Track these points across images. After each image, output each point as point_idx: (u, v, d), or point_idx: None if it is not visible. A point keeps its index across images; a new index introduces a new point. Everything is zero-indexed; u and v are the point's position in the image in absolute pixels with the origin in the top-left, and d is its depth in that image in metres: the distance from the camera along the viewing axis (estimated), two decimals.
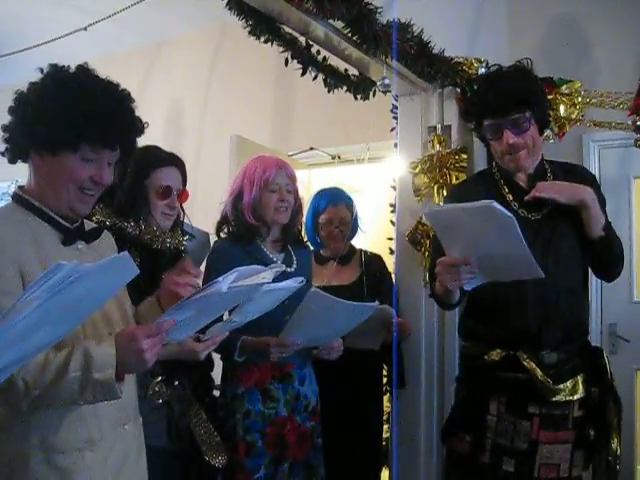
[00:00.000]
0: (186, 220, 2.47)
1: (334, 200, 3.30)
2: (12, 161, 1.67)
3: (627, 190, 3.81)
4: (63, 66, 1.64)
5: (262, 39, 3.02)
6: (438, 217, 2.17)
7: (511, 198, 2.37)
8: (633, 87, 2.91)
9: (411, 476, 3.32)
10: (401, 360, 3.24)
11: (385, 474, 3.50)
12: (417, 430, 3.33)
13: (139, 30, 5.17)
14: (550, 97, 3.03)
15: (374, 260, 3.38)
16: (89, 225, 1.79)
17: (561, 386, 2.28)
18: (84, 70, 1.65)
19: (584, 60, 3.80)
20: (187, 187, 2.43)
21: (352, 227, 3.33)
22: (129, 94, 1.70)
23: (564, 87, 3.05)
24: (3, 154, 1.67)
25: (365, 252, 3.40)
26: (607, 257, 2.34)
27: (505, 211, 1.94)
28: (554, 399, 2.27)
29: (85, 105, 1.57)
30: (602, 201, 2.34)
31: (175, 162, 2.38)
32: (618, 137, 3.49)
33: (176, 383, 2.22)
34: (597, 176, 3.79)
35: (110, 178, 1.68)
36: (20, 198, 1.65)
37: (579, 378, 2.31)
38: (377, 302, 2.51)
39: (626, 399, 3.64)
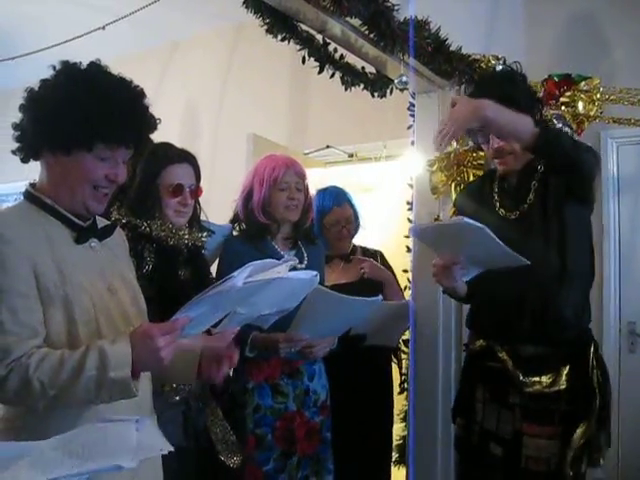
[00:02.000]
0: (202, 216, 2.46)
1: (338, 200, 3.33)
2: (25, 160, 1.67)
3: None
4: (75, 63, 1.62)
5: (279, 37, 3.02)
6: (423, 234, 2.39)
7: (496, 199, 2.49)
8: None
9: (428, 474, 3.31)
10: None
11: (402, 472, 3.50)
12: (434, 428, 3.33)
13: (155, 30, 5.17)
14: (568, 94, 3.02)
15: (375, 256, 3.42)
16: (101, 222, 1.78)
17: (536, 379, 2.32)
18: (97, 67, 1.64)
19: (603, 56, 3.77)
20: (203, 186, 2.42)
21: (355, 225, 3.38)
22: (142, 90, 1.68)
23: (582, 84, 3.03)
24: (15, 153, 1.66)
25: (365, 249, 3.45)
26: (559, 155, 2.20)
27: (475, 224, 2.06)
28: (529, 390, 2.33)
29: (99, 103, 1.56)
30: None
31: (187, 158, 2.35)
32: (637, 134, 3.46)
33: None
34: (615, 173, 3.79)
35: (124, 176, 1.68)
36: (32, 196, 1.64)
37: (562, 370, 2.34)
38: (380, 297, 2.54)
39: None
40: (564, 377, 2.33)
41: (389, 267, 3.42)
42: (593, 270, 2.47)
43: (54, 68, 1.61)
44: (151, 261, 2.12)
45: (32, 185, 1.67)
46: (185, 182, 2.30)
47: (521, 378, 2.34)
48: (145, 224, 2.19)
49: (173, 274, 2.20)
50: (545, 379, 2.33)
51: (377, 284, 3.26)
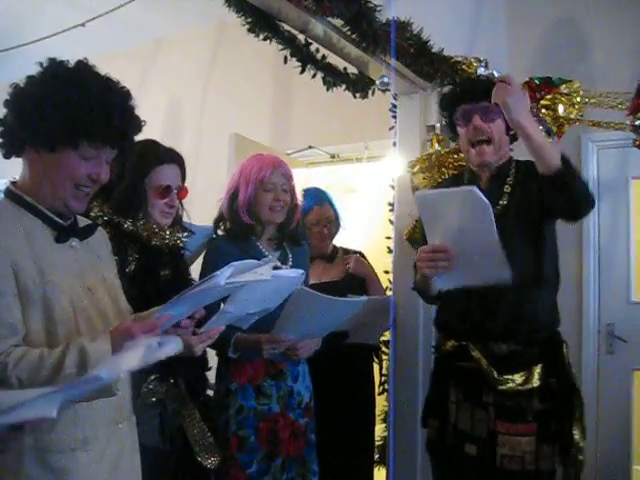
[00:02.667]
0: (185, 217, 2.45)
1: (319, 200, 3.35)
2: (7, 156, 1.65)
3: (625, 191, 3.81)
4: (62, 61, 1.62)
5: (261, 37, 3.01)
6: (427, 200, 2.26)
7: None
8: (632, 87, 2.90)
9: (408, 475, 3.31)
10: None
11: (382, 473, 3.51)
12: (415, 429, 3.32)
13: (137, 28, 5.15)
14: (549, 97, 3.04)
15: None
16: (82, 221, 1.77)
17: (509, 376, 2.35)
18: (84, 65, 1.64)
19: (583, 60, 3.80)
20: (186, 186, 2.41)
21: (336, 225, 3.40)
22: (129, 91, 1.69)
23: (563, 87, 3.04)
24: None
25: (346, 249, 3.47)
26: (572, 191, 2.20)
27: (483, 197, 2.07)
28: (503, 388, 2.35)
29: (86, 102, 1.56)
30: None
31: (175, 159, 2.33)
32: (617, 137, 3.48)
33: (170, 381, 2.19)
34: (595, 177, 3.82)
35: (107, 176, 1.67)
36: (12, 194, 1.63)
37: (535, 369, 2.37)
38: (364, 297, 2.55)
39: (623, 400, 3.69)
40: (537, 375, 2.36)
41: (369, 267, 3.43)
42: (559, 274, 2.50)
43: (41, 65, 1.61)
44: (134, 261, 2.11)
45: (13, 183, 1.66)
46: (173, 183, 2.28)
47: (495, 376, 2.35)
48: (129, 223, 2.16)
49: (155, 274, 2.18)
50: (518, 377, 2.36)
51: (360, 283, 3.28)
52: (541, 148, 2.16)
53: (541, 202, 2.31)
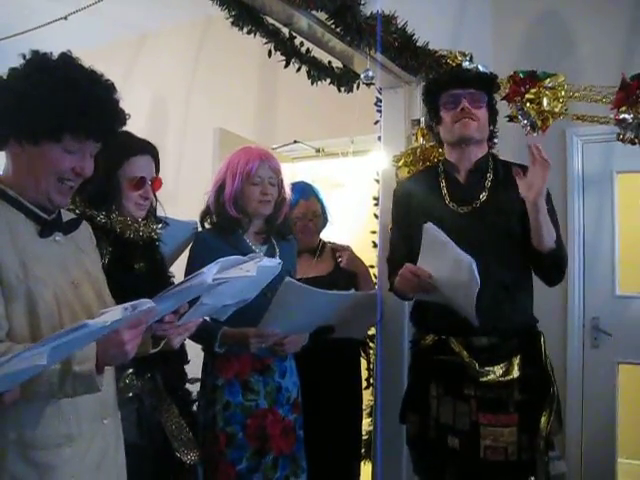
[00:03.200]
0: (159, 209, 2.40)
1: (305, 194, 3.33)
2: None
3: (610, 185, 3.83)
4: (45, 53, 1.60)
5: (245, 30, 3.00)
6: (433, 237, 2.31)
7: (445, 192, 2.55)
8: (617, 81, 2.90)
9: (394, 469, 3.31)
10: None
11: (368, 468, 3.50)
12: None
13: (121, 22, 5.11)
14: (533, 91, 3.03)
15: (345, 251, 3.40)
16: (66, 215, 1.76)
17: (490, 368, 2.39)
18: (68, 58, 1.62)
19: (568, 54, 3.81)
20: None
21: (322, 219, 3.38)
22: (113, 84, 1.67)
23: (547, 81, 3.03)
24: None
25: (334, 244, 3.45)
26: (555, 269, 2.46)
27: (477, 275, 2.13)
28: (484, 380, 2.39)
29: (70, 95, 1.54)
30: (551, 210, 2.43)
31: (148, 150, 2.28)
32: (601, 132, 3.49)
33: (147, 376, 2.16)
34: (580, 171, 3.83)
35: (91, 169, 1.66)
36: None
37: (514, 360, 2.41)
38: (352, 291, 2.54)
39: (608, 393, 3.71)
40: (516, 366, 2.40)
41: (361, 262, 3.42)
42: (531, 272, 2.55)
43: (24, 57, 1.59)
44: (107, 254, 2.08)
45: None
46: (147, 175, 2.24)
47: (477, 368, 2.38)
48: (102, 216, 2.13)
49: (129, 267, 2.16)
50: (498, 369, 2.39)
51: (347, 279, 3.26)
52: (542, 228, 2.31)
53: (523, 211, 2.37)
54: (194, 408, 2.52)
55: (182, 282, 1.55)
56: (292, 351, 2.63)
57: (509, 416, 2.36)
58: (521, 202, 2.35)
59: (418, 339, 2.63)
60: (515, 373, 2.39)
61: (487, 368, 2.39)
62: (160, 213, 2.39)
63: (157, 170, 2.32)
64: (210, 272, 1.52)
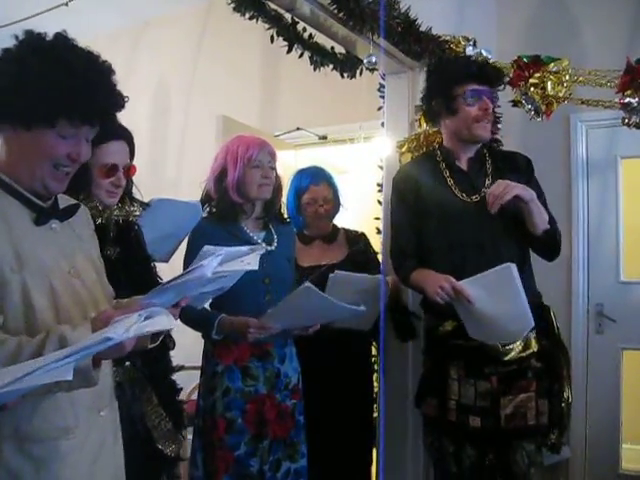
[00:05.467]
0: (135, 191, 2.30)
1: (316, 179, 3.28)
2: None
3: (614, 171, 3.82)
4: (39, 33, 1.53)
5: (247, 16, 2.98)
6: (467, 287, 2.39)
7: (452, 182, 2.59)
8: (621, 65, 2.88)
9: (398, 456, 3.32)
10: (407, 314, 3.28)
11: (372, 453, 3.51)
12: (404, 409, 3.33)
13: (123, 10, 5.09)
14: (537, 75, 3.01)
15: (359, 237, 3.38)
16: (64, 201, 1.69)
17: (512, 346, 2.47)
18: (63, 39, 1.54)
19: (572, 39, 3.78)
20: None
21: (334, 205, 3.32)
22: (110, 66, 1.58)
23: (552, 65, 3.01)
24: None
25: (348, 230, 3.41)
26: (551, 247, 2.58)
27: (516, 276, 2.29)
28: (507, 359, 2.47)
29: (64, 77, 1.46)
30: (539, 192, 2.53)
31: (122, 135, 2.14)
32: (606, 117, 3.48)
33: (127, 364, 2.08)
34: (584, 156, 3.82)
35: (88, 155, 1.60)
36: None
37: (531, 334, 2.49)
38: (364, 307, 2.56)
39: (612, 379, 3.71)
40: (533, 340, 2.50)
41: (369, 248, 3.39)
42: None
43: (17, 38, 1.51)
44: None
45: None
46: (120, 162, 2.12)
47: (500, 349, 2.46)
48: None
49: (103, 253, 2.02)
50: (518, 345, 2.48)
51: (362, 266, 3.20)
52: (534, 215, 2.43)
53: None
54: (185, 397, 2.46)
55: (181, 275, 1.52)
56: (311, 332, 2.63)
57: (528, 382, 2.47)
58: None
59: (435, 326, 2.66)
60: (534, 347, 2.49)
61: (508, 347, 2.46)
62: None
63: (132, 155, 2.20)
64: (210, 266, 1.50)
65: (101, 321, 1.43)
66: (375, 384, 3.53)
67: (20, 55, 1.49)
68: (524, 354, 2.47)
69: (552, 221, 2.51)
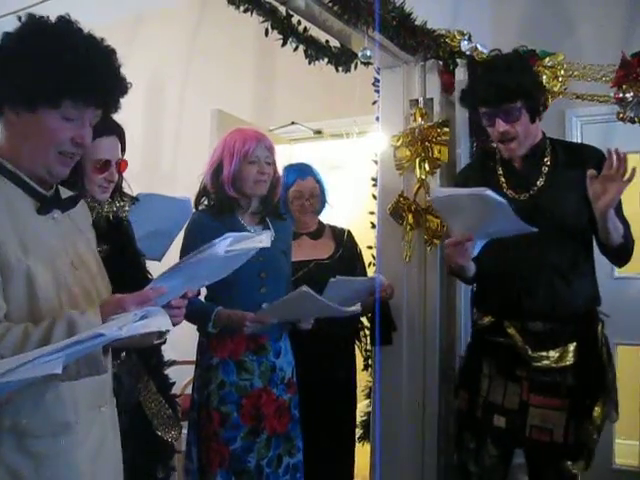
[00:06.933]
0: (125, 187, 2.31)
1: (302, 174, 3.29)
2: None
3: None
4: (42, 17, 1.52)
5: (241, 9, 2.97)
6: (441, 202, 2.36)
7: (503, 180, 2.52)
8: (616, 60, 2.88)
9: (392, 450, 3.32)
10: (389, 317, 3.26)
11: (366, 448, 3.51)
12: (399, 404, 3.33)
13: (118, 3, 5.06)
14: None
15: (346, 234, 3.39)
16: (64, 193, 1.68)
17: (543, 353, 2.39)
18: (66, 22, 1.54)
19: (567, 33, 3.77)
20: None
21: (320, 200, 3.34)
22: (114, 50, 1.59)
23: (547, 60, 3.02)
24: None
25: (334, 227, 3.42)
26: (620, 257, 2.46)
27: (498, 198, 2.10)
28: (538, 365, 2.39)
29: (68, 57, 1.46)
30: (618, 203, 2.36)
31: (114, 130, 2.14)
32: (601, 112, 3.47)
33: (123, 354, 2.09)
34: None
35: (90, 140, 1.59)
36: None
37: (569, 347, 2.40)
38: (360, 308, 2.65)
39: None
40: (571, 353, 2.40)
41: (356, 245, 3.40)
42: (593, 254, 2.52)
43: (19, 19, 1.51)
44: None
45: None
46: (112, 157, 2.13)
47: (530, 353, 2.39)
48: None
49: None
50: (553, 354, 2.39)
51: (350, 261, 3.25)
52: (610, 230, 2.29)
53: (585, 196, 2.31)
54: (177, 392, 2.48)
55: (191, 255, 1.50)
56: (308, 326, 2.64)
57: (560, 400, 2.37)
58: (583, 186, 2.30)
59: (477, 319, 2.65)
60: (569, 360, 2.39)
61: (541, 353, 2.39)
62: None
63: (123, 150, 2.21)
64: (222, 244, 1.50)
65: (110, 305, 1.44)
66: (368, 378, 3.55)
67: (23, 37, 1.49)
68: (556, 365, 2.39)
69: (626, 231, 2.37)
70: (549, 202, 2.41)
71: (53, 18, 1.53)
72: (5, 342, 1.35)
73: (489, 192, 2.09)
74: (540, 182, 2.46)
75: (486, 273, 2.50)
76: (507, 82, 2.35)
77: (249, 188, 2.63)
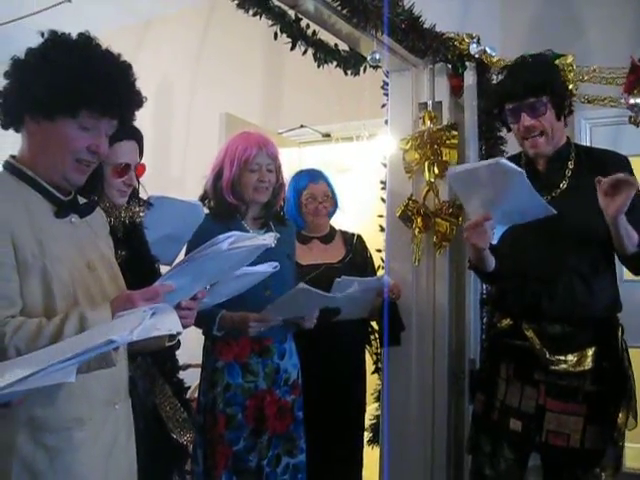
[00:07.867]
0: (142, 191, 2.32)
1: (314, 178, 3.30)
2: (5, 127, 1.64)
3: None
4: (64, 32, 1.61)
5: (250, 12, 2.97)
6: (456, 180, 2.35)
7: None
8: (625, 63, 2.88)
9: (402, 454, 3.32)
10: (396, 318, 3.25)
11: (376, 452, 3.51)
12: (408, 407, 3.33)
13: (126, 7, 5.09)
14: None
15: (356, 238, 3.39)
16: (81, 199, 1.74)
17: (561, 357, 2.35)
18: (86, 38, 1.63)
19: (577, 36, 3.77)
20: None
21: (333, 203, 3.34)
22: (130, 65, 1.68)
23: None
24: None
25: (344, 232, 3.42)
26: (635, 266, 2.40)
27: (513, 166, 2.09)
28: (555, 368, 2.35)
29: (87, 70, 1.55)
30: (637, 207, 2.28)
31: (133, 134, 2.16)
32: (610, 115, 3.46)
33: (138, 359, 2.11)
34: None
35: (107, 148, 1.66)
36: (12, 167, 1.61)
37: (588, 351, 2.36)
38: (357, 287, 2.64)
39: None
40: (590, 357, 2.35)
41: (366, 249, 3.40)
42: (614, 261, 2.48)
43: (42, 35, 1.60)
44: None
45: (12, 157, 1.64)
46: (132, 161, 2.14)
47: (547, 356, 2.36)
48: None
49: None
50: (571, 358, 2.36)
51: (361, 266, 3.26)
52: (622, 238, 2.24)
53: None
54: (188, 395, 2.48)
55: (198, 250, 1.54)
56: (311, 326, 2.65)
57: (577, 405, 2.34)
58: None
59: (495, 322, 2.64)
60: (588, 365, 2.35)
61: (559, 357, 2.36)
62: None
63: (141, 155, 2.23)
64: (226, 241, 1.53)
65: (120, 301, 1.49)
66: (377, 381, 3.55)
67: (45, 50, 1.57)
68: (574, 370, 2.35)
69: None
70: (571, 205, 2.36)
71: (74, 34, 1.63)
72: (20, 334, 1.41)
73: (504, 160, 2.12)
74: (563, 185, 2.43)
75: (506, 274, 2.48)
76: (533, 77, 2.35)
77: (248, 195, 2.63)
